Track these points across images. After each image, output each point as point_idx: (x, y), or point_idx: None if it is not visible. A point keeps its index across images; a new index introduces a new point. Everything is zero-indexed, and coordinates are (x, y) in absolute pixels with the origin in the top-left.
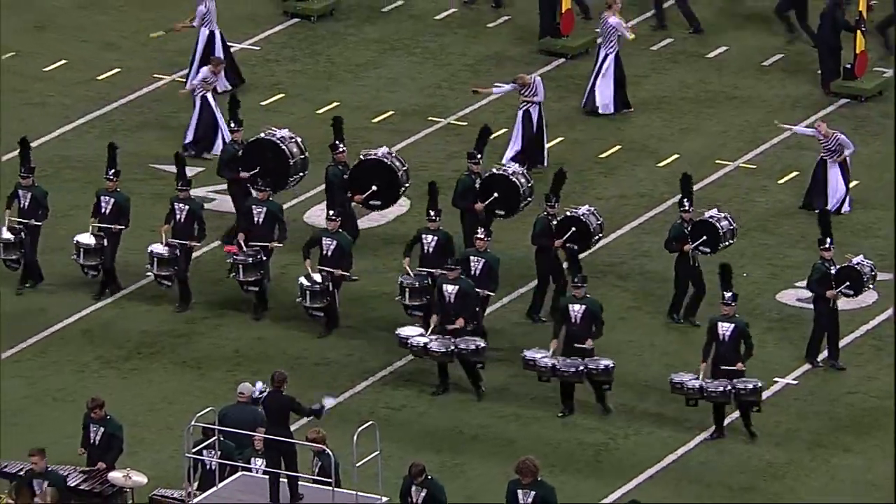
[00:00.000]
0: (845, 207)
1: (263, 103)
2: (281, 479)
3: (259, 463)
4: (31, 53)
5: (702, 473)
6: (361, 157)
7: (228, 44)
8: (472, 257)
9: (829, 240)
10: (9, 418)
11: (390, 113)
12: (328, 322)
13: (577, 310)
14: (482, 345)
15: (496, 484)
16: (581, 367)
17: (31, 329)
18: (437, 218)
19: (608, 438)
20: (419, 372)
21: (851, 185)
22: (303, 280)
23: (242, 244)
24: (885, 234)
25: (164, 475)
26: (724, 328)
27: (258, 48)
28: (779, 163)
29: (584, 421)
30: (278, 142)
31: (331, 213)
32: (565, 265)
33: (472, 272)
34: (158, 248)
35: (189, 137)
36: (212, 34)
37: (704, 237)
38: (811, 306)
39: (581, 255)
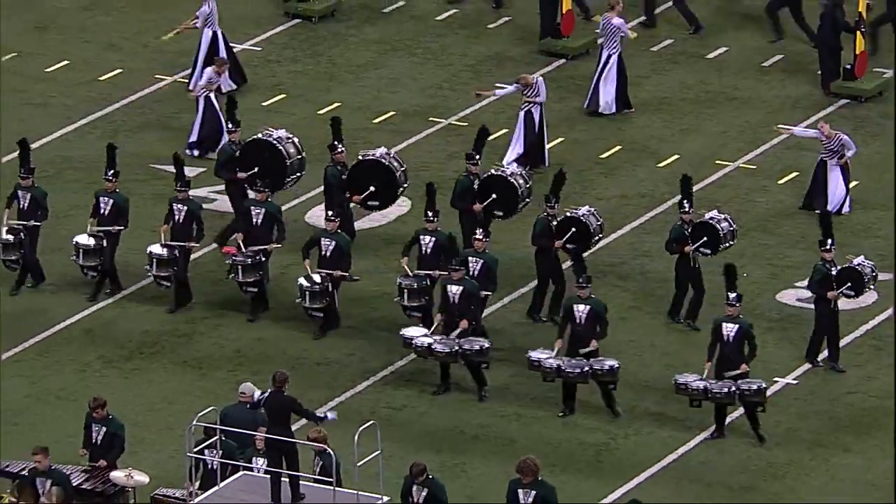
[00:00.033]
0: (845, 208)
1: (265, 104)
2: (282, 479)
3: (260, 462)
4: (32, 54)
5: (702, 473)
6: (360, 157)
7: (231, 45)
8: (470, 258)
9: (830, 241)
10: (11, 418)
11: (391, 113)
12: (326, 323)
13: (581, 310)
14: (486, 345)
15: (497, 483)
16: (586, 368)
17: (33, 329)
18: (435, 219)
19: (609, 438)
20: (420, 372)
21: (851, 185)
22: (302, 281)
23: (241, 245)
24: (884, 235)
25: (166, 474)
26: (729, 329)
27: (259, 49)
28: (779, 163)
29: (584, 421)
30: (275, 142)
31: (329, 213)
32: (566, 265)
33: (471, 273)
34: (157, 249)
35: (193, 137)
36: (214, 35)
37: (705, 238)
38: (811, 306)
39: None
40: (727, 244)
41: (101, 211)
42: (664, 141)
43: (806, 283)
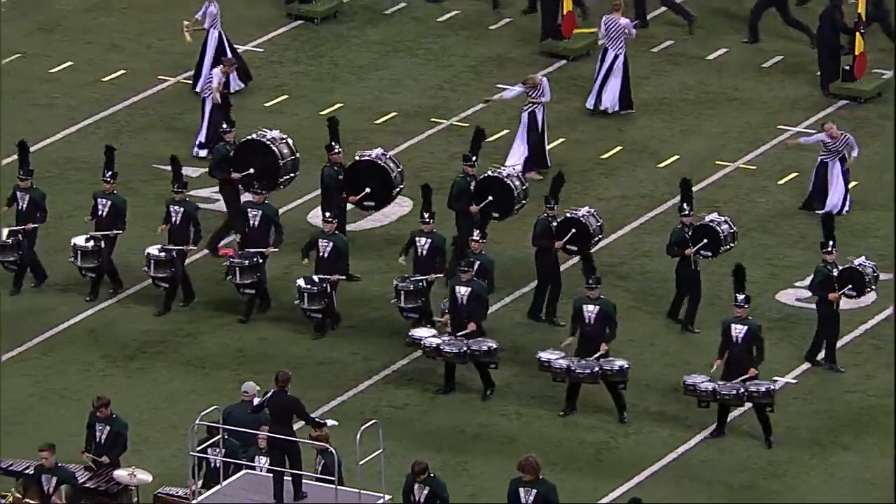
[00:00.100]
0: (846, 208)
1: (267, 105)
2: (285, 478)
3: (263, 461)
4: (37, 55)
5: (702, 472)
6: (356, 158)
7: (234, 45)
8: None
9: (831, 242)
10: (15, 417)
11: (393, 114)
12: (324, 324)
13: (590, 310)
14: (495, 346)
15: (498, 482)
16: (596, 369)
17: (36, 328)
18: (431, 220)
19: (609, 437)
20: (422, 371)
21: (850, 185)
22: (300, 283)
23: (236, 247)
24: (884, 235)
25: (169, 473)
26: (738, 330)
27: (262, 50)
28: (779, 164)
29: (585, 420)
30: (269, 143)
31: (327, 215)
32: (565, 266)
33: None
34: (155, 251)
35: (201, 138)
36: (220, 35)
37: (705, 241)
38: (810, 306)
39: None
40: (728, 246)
41: (100, 212)
42: (664, 141)
43: (806, 282)
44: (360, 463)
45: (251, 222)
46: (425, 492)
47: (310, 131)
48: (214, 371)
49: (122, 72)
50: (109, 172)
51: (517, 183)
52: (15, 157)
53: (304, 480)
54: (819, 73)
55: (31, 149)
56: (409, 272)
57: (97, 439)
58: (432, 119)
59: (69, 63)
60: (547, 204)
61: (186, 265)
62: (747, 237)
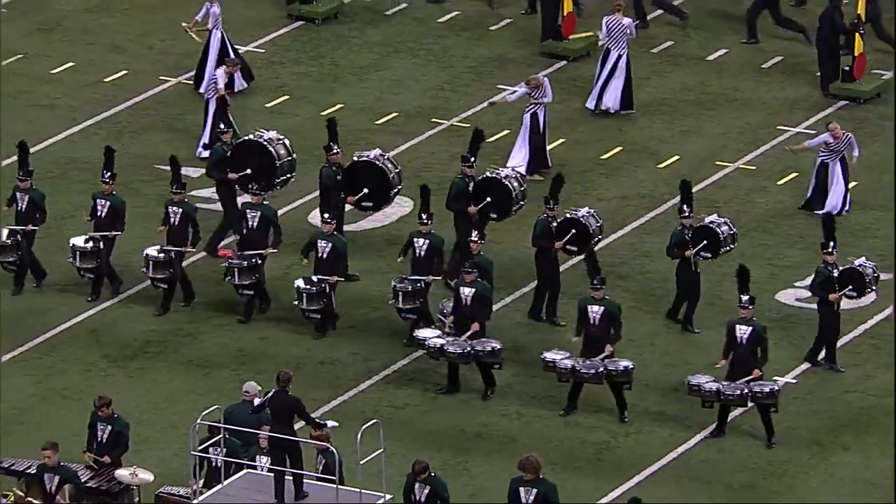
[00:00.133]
0: (846, 208)
1: (268, 105)
2: (286, 477)
3: (264, 461)
4: (38, 56)
5: (702, 471)
6: (354, 158)
7: (236, 46)
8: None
9: (832, 243)
10: (16, 417)
11: (394, 115)
12: (323, 324)
13: (595, 311)
14: (498, 346)
15: (499, 482)
16: (601, 369)
17: (38, 329)
18: (429, 221)
19: (609, 437)
20: (422, 371)
21: (850, 186)
22: (299, 283)
23: (235, 248)
24: (883, 235)
25: (170, 473)
26: (742, 331)
27: (263, 51)
28: (778, 164)
29: (585, 419)
30: (265, 143)
31: (326, 216)
32: (565, 266)
33: None
34: (153, 252)
35: (205, 139)
36: (222, 35)
37: (705, 242)
38: (810, 306)
39: (581, 257)
40: (728, 248)
41: (98, 213)
42: (664, 142)
43: (805, 282)
44: (361, 462)
45: (250, 223)
46: (426, 491)
47: (311, 132)
48: (215, 371)
49: (124, 72)
50: (108, 173)
51: (515, 184)
52: (15, 157)
53: (305, 480)
54: (819, 73)
55: (33, 149)
56: (408, 273)
57: (99, 439)
58: (433, 119)
59: (70, 64)
60: (547, 205)
61: (186, 266)
62: (747, 237)
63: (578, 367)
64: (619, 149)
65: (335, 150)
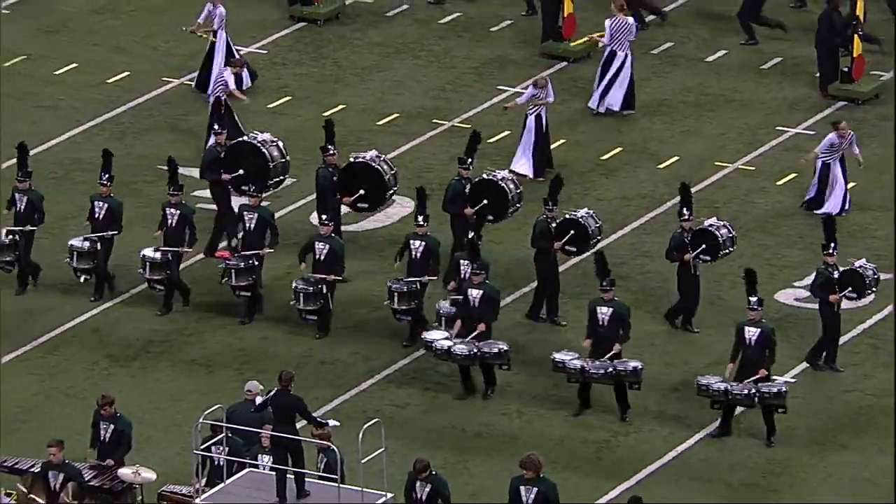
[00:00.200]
0: (846, 207)
1: (270, 106)
2: (288, 476)
3: (266, 460)
4: (42, 57)
5: (702, 470)
6: (351, 159)
7: (237, 47)
8: (463, 260)
9: (832, 244)
10: (20, 415)
11: (395, 115)
12: (323, 324)
13: (604, 312)
14: (505, 348)
15: (499, 481)
16: (610, 370)
17: (41, 328)
18: (425, 223)
19: (610, 436)
20: (423, 371)
21: (849, 186)
22: (296, 283)
23: (236, 249)
24: (882, 235)
25: (173, 471)
26: (751, 333)
27: (265, 52)
28: (777, 165)
29: (585, 418)
30: (259, 145)
31: (323, 217)
32: (563, 266)
33: (463, 275)
34: (150, 253)
35: (212, 141)
36: (226, 37)
37: (704, 246)
38: (809, 306)
39: (582, 257)
40: (727, 251)
41: (96, 215)
42: (664, 143)
43: (804, 282)
44: (363, 461)
45: (247, 225)
46: (427, 489)
47: (312, 132)
48: (217, 370)
49: (127, 73)
50: (106, 175)
51: (511, 186)
52: (12, 160)
53: (306, 479)
54: (818, 74)
55: (36, 150)
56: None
57: (101, 438)
58: (434, 120)
59: (74, 65)
60: (546, 205)
61: (185, 268)
62: (746, 237)
63: (588, 368)
64: (619, 149)
65: (331, 152)
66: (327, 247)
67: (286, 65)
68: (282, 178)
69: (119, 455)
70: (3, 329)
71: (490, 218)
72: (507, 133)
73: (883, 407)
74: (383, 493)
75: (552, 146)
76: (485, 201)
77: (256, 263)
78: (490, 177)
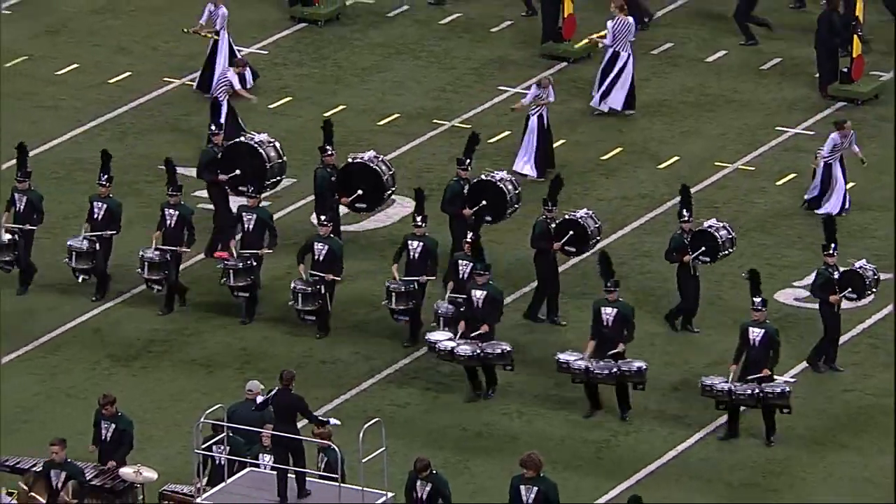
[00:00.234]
0: (846, 206)
1: (271, 106)
2: (288, 475)
3: (267, 459)
4: (43, 57)
5: (702, 470)
6: (349, 160)
7: (238, 48)
8: (461, 261)
9: (833, 245)
10: (21, 415)
11: (396, 116)
12: (322, 323)
13: (609, 313)
14: (508, 349)
15: (499, 481)
16: (614, 370)
17: (42, 328)
18: (423, 224)
19: (610, 435)
20: (424, 370)
21: (848, 186)
22: (295, 284)
23: (233, 250)
24: (881, 235)
25: (174, 471)
26: (755, 333)
27: (266, 52)
28: (777, 165)
29: (585, 418)
30: (256, 145)
31: (322, 218)
32: (562, 268)
33: (461, 276)
34: (149, 253)
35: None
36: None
37: (703, 248)
38: (808, 306)
39: (582, 257)
40: (726, 252)
41: (95, 216)
42: (664, 143)
43: (804, 282)
44: (363, 461)
45: (245, 226)
46: (427, 488)
47: (313, 133)
48: (218, 370)
49: (128, 74)
50: (105, 176)
51: (510, 187)
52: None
53: (307, 478)
54: (817, 75)
55: (38, 150)
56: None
57: (103, 437)
58: (434, 121)
59: (75, 65)
60: (545, 206)
61: (186, 268)
62: (746, 237)
63: (592, 368)
64: (619, 149)
65: (329, 152)
66: (326, 247)
67: (287, 65)
68: (279, 178)
69: (120, 454)
70: (4, 329)
71: (488, 219)
72: (507, 133)
73: (882, 406)
74: (384, 492)
75: (553, 146)
76: (483, 202)
77: (255, 264)
78: (488, 178)
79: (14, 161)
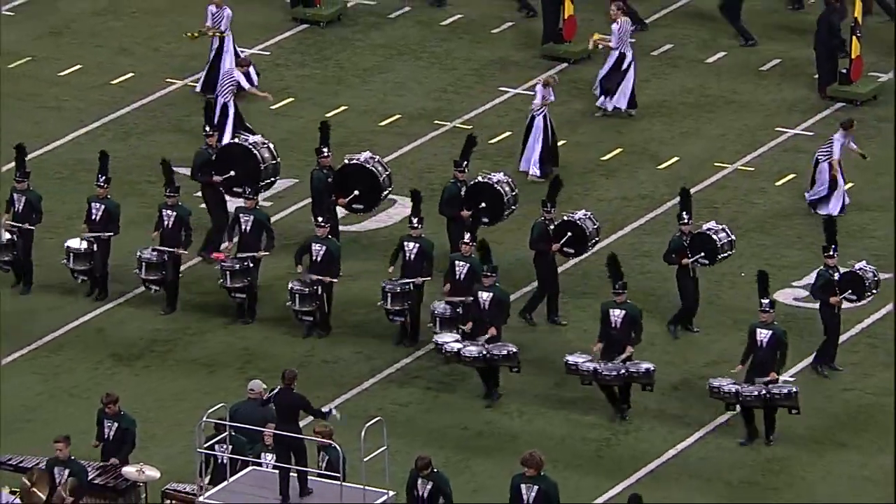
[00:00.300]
0: (846, 202)
1: (273, 107)
2: (290, 474)
3: (269, 458)
4: (46, 58)
5: (701, 469)
6: (345, 161)
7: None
8: (457, 262)
9: (833, 247)
10: (24, 414)
11: (397, 116)
12: (323, 323)
13: (617, 314)
14: (514, 350)
15: (500, 480)
16: (622, 371)
17: (45, 327)
18: (420, 225)
19: (610, 434)
20: (425, 369)
21: (847, 186)
22: (292, 284)
23: (222, 252)
24: (880, 236)
25: (177, 470)
26: (763, 335)
27: (268, 53)
28: (776, 165)
29: (586, 417)
30: (250, 147)
31: (319, 219)
32: (564, 268)
33: (457, 276)
34: (146, 254)
35: (227, 139)
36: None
37: (702, 252)
38: (808, 305)
39: (581, 258)
40: (725, 254)
41: (93, 216)
42: (664, 143)
43: (802, 282)
44: (365, 460)
45: (243, 227)
46: (428, 486)
47: (315, 134)
48: (220, 369)
49: (131, 75)
50: (103, 177)
51: (507, 189)
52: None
53: (309, 477)
54: (816, 76)
55: (41, 151)
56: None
57: (105, 436)
58: (436, 121)
59: (78, 66)
60: (544, 207)
61: (187, 268)
62: (745, 238)
63: (600, 370)
64: (619, 150)
65: (326, 154)
66: (324, 248)
67: (289, 66)
68: (273, 179)
69: (123, 453)
70: (6, 329)
71: (485, 220)
72: (508, 134)
73: (882, 405)
74: (385, 491)
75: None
76: (483, 204)
77: (251, 265)
78: (486, 180)
79: (9, 165)
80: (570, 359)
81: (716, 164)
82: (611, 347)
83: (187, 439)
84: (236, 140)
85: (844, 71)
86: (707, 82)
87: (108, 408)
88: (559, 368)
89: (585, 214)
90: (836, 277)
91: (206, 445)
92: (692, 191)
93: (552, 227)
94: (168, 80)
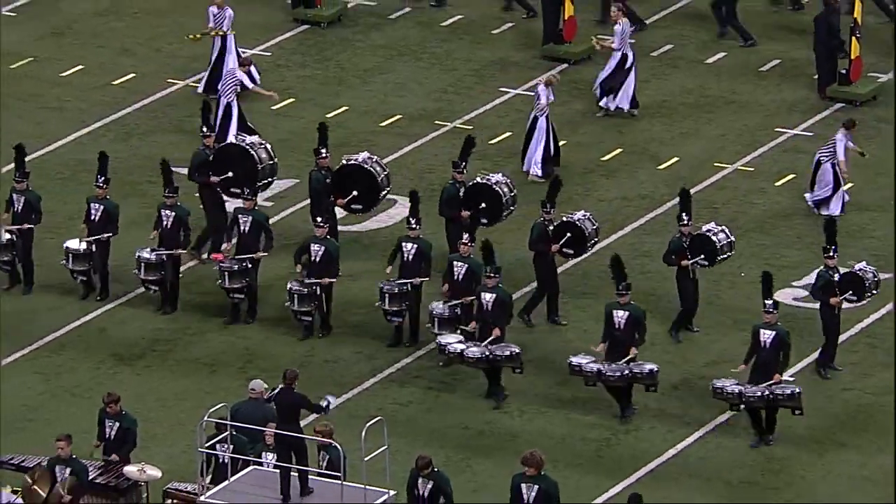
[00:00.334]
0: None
1: (274, 108)
2: (291, 474)
3: (270, 457)
4: (48, 59)
5: (701, 468)
6: (343, 161)
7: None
8: (455, 262)
9: (833, 248)
10: (26, 414)
11: (398, 117)
12: (322, 323)
13: (620, 315)
14: (517, 351)
15: (500, 479)
16: (626, 372)
17: (46, 328)
18: (418, 226)
19: (610, 434)
20: (426, 369)
21: (846, 187)
22: (291, 285)
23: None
24: (880, 236)
25: (178, 469)
26: (766, 335)
27: (269, 54)
28: (776, 165)
29: (586, 417)
30: (248, 147)
31: (318, 219)
32: (563, 268)
33: (456, 277)
34: (146, 254)
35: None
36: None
37: (702, 254)
38: (807, 305)
39: (581, 258)
40: (724, 255)
41: (92, 217)
42: (664, 144)
43: (802, 282)
44: (366, 459)
45: (241, 228)
46: (429, 486)
47: (315, 134)
48: (222, 369)
49: (132, 75)
50: (102, 178)
51: (505, 189)
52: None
53: (310, 476)
54: (816, 76)
55: (43, 151)
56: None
57: (107, 435)
58: (436, 122)
59: (80, 67)
60: (543, 208)
61: (188, 268)
62: (745, 238)
63: (604, 371)
64: (619, 150)
65: (324, 154)
66: (322, 248)
67: (290, 67)
68: (270, 180)
69: (124, 452)
70: (7, 329)
71: (484, 221)
72: (508, 134)
73: (881, 405)
74: (386, 490)
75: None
76: (482, 205)
77: (249, 266)
78: (484, 181)
79: (9, 166)
80: (574, 360)
81: (715, 164)
82: (615, 348)
83: (188, 439)
84: (233, 140)
85: (844, 71)
86: (707, 83)
87: (110, 407)
88: (559, 368)
89: (585, 215)
90: (836, 278)
91: (207, 445)
92: (692, 191)
93: (551, 227)
94: (169, 80)
